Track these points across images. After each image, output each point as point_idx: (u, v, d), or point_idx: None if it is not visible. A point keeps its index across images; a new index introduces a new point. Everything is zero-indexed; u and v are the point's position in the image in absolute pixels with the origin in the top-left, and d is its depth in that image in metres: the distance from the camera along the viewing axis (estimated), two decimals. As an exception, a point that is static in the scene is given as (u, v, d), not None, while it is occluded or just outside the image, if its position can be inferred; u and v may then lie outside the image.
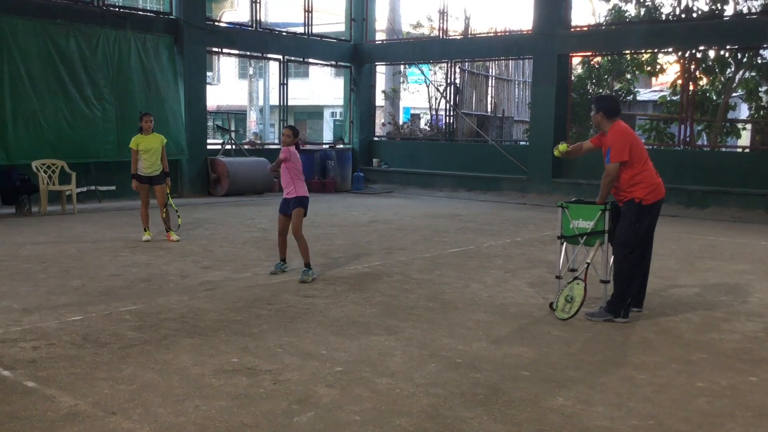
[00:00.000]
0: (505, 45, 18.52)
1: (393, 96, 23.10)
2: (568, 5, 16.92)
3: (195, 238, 10.21)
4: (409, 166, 19.50)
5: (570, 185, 16.29)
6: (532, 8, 17.19)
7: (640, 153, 6.17)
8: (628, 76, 20.09)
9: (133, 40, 14.99)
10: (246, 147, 17.83)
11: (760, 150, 16.71)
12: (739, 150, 18.25)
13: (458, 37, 20.02)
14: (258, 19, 18.05)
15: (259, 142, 18.29)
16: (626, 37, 16.56)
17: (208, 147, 17.06)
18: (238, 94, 34.80)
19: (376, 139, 21.07)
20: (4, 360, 4.84)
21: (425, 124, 23.45)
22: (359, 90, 20.49)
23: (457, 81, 20.29)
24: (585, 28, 17.42)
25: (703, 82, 17.45)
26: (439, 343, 5.40)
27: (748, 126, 19.60)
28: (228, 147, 17.38)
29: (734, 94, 18.27)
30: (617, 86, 20.07)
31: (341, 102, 22.04)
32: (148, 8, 18.78)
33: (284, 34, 19.29)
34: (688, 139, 15.99)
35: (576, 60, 18.91)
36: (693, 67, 16.20)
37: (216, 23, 18.29)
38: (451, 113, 20.00)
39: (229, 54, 18.51)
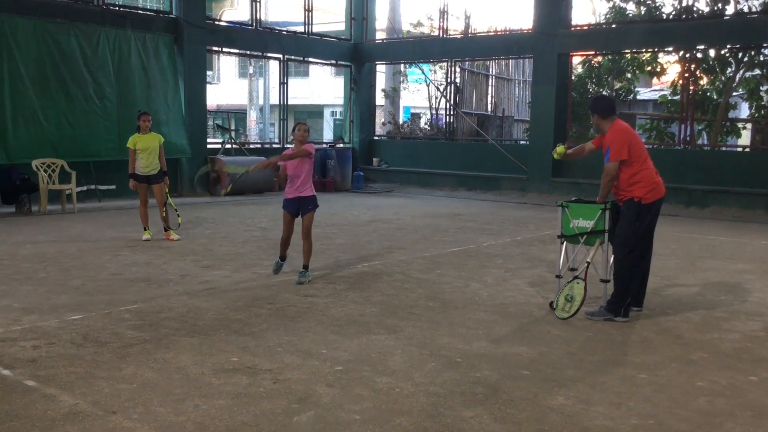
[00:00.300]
0: (505, 44, 18.51)
1: (393, 95, 23.09)
2: (569, 4, 16.90)
3: (195, 237, 10.21)
4: (409, 166, 19.50)
5: (570, 184, 16.28)
6: (533, 7, 17.18)
7: (639, 152, 6.16)
8: (629, 75, 20.09)
9: (133, 39, 14.98)
10: (235, 147, 17.68)
11: (761, 149, 16.71)
12: (740, 149, 18.25)
13: (458, 37, 20.01)
14: (258, 18, 18.04)
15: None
16: (627, 37, 16.55)
17: (208, 146, 17.05)
18: (238, 94, 34.76)
19: (376, 138, 21.07)
20: (4, 359, 4.84)
21: (425, 124, 23.43)
22: (359, 89, 20.48)
23: (458, 80, 20.28)
24: (585, 28, 17.42)
25: (704, 81, 17.45)
26: (439, 343, 5.40)
27: (749, 125, 19.61)
28: (228, 146, 17.38)
29: (735, 94, 18.27)
30: (617, 86, 20.07)
31: (341, 101, 22.03)
32: (148, 7, 18.78)
33: (284, 33, 19.27)
34: (688, 138, 15.98)
35: (576, 59, 18.91)
36: (693, 66, 16.19)
37: (216, 22, 18.27)
38: (452, 112, 19.99)
39: (229, 53, 18.51)
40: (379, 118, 22.94)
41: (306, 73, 34.77)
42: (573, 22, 17.08)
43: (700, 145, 17.25)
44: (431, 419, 3.98)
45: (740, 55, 16.57)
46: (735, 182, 14.61)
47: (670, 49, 16.58)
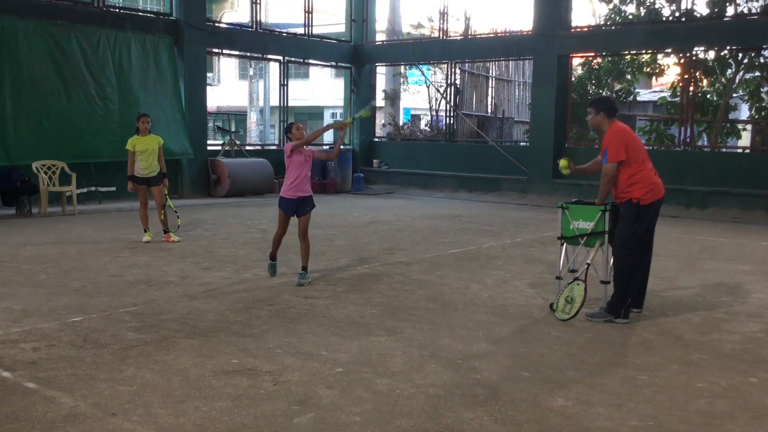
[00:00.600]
0: (505, 46, 18.53)
1: (393, 97, 23.10)
2: (569, 6, 16.92)
3: (195, 238, 10.21)
4: (410, 167, 19.50)
5: (570, 186, 16.28)
6: (533, 9, 17.19)
7: (638, 153, 6.15)
8: (629, 76, 20.09)
9: (133, 41, 14.99)
10: (227, 148, 17.63)
11: (761, 151, 16.70)
12: (740, 151, 18.24)
13: (458, 38, 20.02)
14: (258, 19, 18.06)
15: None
16: (626, 38, 16.56)
17: (208, 148, 17.06)
18: (238, 95, 34.79)
19: (376, 139, 21.08)
20: (4, 361, 4.84)
21: (425, 125, 23.44)
22: (359, 91, 20.49)
23: (458, 82, 20.29)
24: (585, 29, 17.42)
25: (704, 83, 17.45)
26: (439, 344, 5.40)
27: (749, 127, 19.61)
28: (228, 148, 17.38)
29: (735, 95, 18.27)
30: (617, 87, 20.07)
31: (341, 103, 22.04)
32: (148, 9, 18.79)
33: (284, 35, 19.29)
34: (688, 139, 15.98)
35: (576, 61, 18.91)
36: (693, 68, 16.19)
37: (216, 24, 18.30)
38: (452, 114, 20.00)
39: (230, 55, 18.51)
40: (379, 119, 22.94)
41: (306, 75, 34.80)
42: (573, 24, 17.09)
43: (700, 146, 17.25)
44: (431, 421, 3.98)
45: (740, 56, 16.57)
46: (735, 183, 14.61)
47: (670, 50, 16.59)
